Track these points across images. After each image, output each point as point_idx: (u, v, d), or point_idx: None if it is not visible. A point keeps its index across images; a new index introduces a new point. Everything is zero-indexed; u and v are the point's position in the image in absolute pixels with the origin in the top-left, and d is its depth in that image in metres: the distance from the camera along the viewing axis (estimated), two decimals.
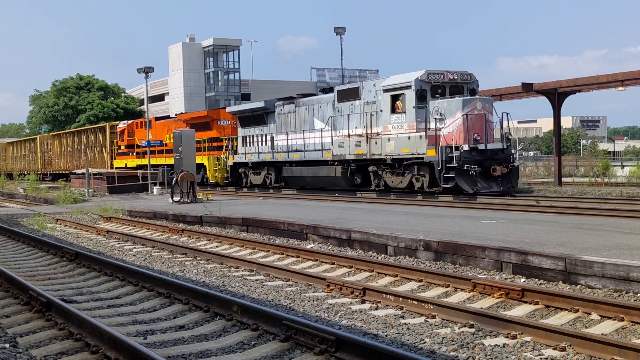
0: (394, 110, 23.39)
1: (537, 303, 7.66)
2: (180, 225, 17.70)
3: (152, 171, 34.85)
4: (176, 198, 23.21)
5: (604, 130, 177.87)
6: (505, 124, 22.80)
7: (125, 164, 40.89)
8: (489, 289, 8.23)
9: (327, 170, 26.48)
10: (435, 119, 21.94)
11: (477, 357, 5.95)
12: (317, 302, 8.29)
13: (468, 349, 6.17)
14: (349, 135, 25.22)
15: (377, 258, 11.32)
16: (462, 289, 8.55)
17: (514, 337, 6.42)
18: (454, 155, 21.14)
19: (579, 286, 8.49)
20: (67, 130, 58.11)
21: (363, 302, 8.28)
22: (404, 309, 7.77)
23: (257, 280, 10.01)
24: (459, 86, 23.13)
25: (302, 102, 28.27)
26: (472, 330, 6.81)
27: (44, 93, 78.21)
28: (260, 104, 30.57)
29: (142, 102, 78.35)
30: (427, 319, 7.32)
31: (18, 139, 75.54)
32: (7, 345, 6.36)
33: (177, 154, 24.97)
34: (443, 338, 6.54)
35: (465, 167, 21.04)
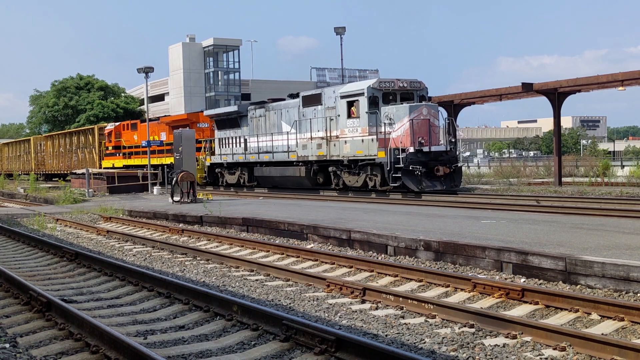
0: (349, 115, 25.31)
1: (537, 303, 7.66)
2: (181, 225, 17.70)
3: (153, 171, 34.92)
4: (176, 198, 23.21)
5: (604, 130, 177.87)
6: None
7: (113, 164, 42.51)
8: (489, 289, 8.23)
9: (293, 171, 28.32)
10: (385, 123, 23.90)
11: (477, 357, 5.95)
12: (317, 302, 8.29)
13: (468, 349, 6.17)
14: (311, 138, 27.16)
15: (377, 258, 11.32)
16: (462, 289, 8.55)
17: (514, 337, 6.42)
18: (400, 156, 23.10)
19: (579, 286, 8.49)
20: (59, 132, 59.52)
21: (363, 302, 8.28)
22: (404, 309, 7.77)
23: (257, 280, 10.01)
24: (409, 93, 25.16)
25: (272, 106, 30.08)
26: (472, 330, 6.81)
27: (44, 93, 78.20)
28: (234, 108, 32.70)
29: (142, 102, 78.37)
30: (427, 319, 7.32)
31: (13, 140, 75.91)
32: (7, 345, 6.36)
33: (177, 154, 24.98)
34: (443, 338, 6.54)
35: (410, 168, 23.01)
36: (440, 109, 25.94)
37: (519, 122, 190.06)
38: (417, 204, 20.28)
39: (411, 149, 23.20)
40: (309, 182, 27.88)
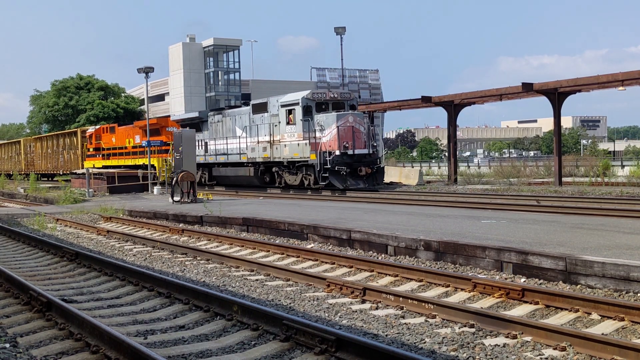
0: (288, 122, 28.64)
1: (537, 303, 7.65)
2: (181, 225, 17.70)
3: (152, 171, 34.98)
4: (176, 198, 23.21)
5: (604, 130, 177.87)
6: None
7: (93, 165, 44.81)
8: (489, 288, 8.23)
9: (244, 171, 31.65)
10: (315, 129, 27.22)
11: (477, 357, 5.95)
12: (318, 302, 8.29)
13: (468, 349, 6.17)
14: (258, 142, 30.41)
15: (378, 258, 11.32)
16: (462, 289, 8.55)
17: (514, 337, 6.42)
18: (328, 159, 26.39)
19: (579, 286, 8.49)
20: (47, 134, 61.76)
21: (363, 302, 8.28)
22: (404, 308, 7.77)
23: (257, 280, 10.01)
24: (341, 103, 28.62)
25: (228, 112, 33.57)
26: (473, 330, 6.81)
27: (44, 93, 78.16)
28: (196, 114, 36.40)
29: (142, 102, 78.38)
30: (428, 319, 7.32)
31: (4, 142, 76.61)
32: (7, 345, 6.36)
33: (177, 153, 24.96)
34: (443, 338, 6.53)
35: (336, 169, 26.29)
36: (366, 116, 28.78)
37: (519, 122, 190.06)
38: (417, 204, 20.28)
39: (337, 152, 26.47)
40: (257, 181, 31.13)
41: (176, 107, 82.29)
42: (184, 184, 23.21)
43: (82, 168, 44.73)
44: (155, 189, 32.02)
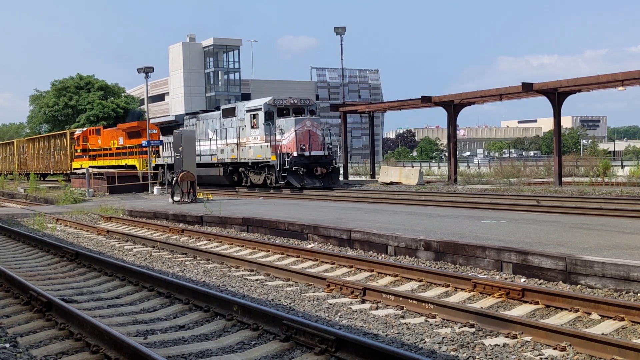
0: (252, 126, 31.16)
1: (537, 303, 7.65)
2: (181, 225, 17.69)
3: (154, 171, 35.06)
4: (176, 198, 23.20)
5: (604, 130, 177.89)
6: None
7: (81, 165, 47.13)
8: (489, 288, 8.23)
9: (215, 171, 33.89)
10: (276, 133, 29.75)
11: (477, 357, 5.95)
12: (318, 302, 8.29)
13: (468, 349, 6.17)
14: (227, 144, 32.90)
15: (378, 258, 11.32)
16: (462, 289, 8.55)
17: (514, 337, 6.42)
18: (287, 160, 28.74)
19: (579, 286, 8.49)
20: (39, 135, 63.74)
21: (363, 302, 8.28)
22: (404, 308, 7.77)
23: (257, 280, 10.01)
24: (301, 108, 31.17)
25: (202, 116, 36.21)
26: (473, 330, 6.81)
27: (44, 93, 78.10)
28: (172, 118, 39.68)
29: (142, 102, 78.33)
30: (428, 319, 7.32)
31: None
32: (7, 345, 6.36)
33: (177, 153, 24.96)
34: (443, 338, 6.53)
35: (294, 169, 28.61)
36: (323, 121, 31.67)
37: (519, 122, 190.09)
38: (417, 204, 20.29)
39: (295, 154, 28.85)
40: (226, 180, 33.45)
41: (176, 107, 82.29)
42: (184, 184, 23.21)
43: (71, 168, 48.59)
44: (155, 189, 32.02)
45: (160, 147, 38.61)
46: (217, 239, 14.50)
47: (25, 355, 6.10)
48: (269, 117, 30.38)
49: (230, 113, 33.18)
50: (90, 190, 31.29)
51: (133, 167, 40.49)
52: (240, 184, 32.91)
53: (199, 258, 12.25)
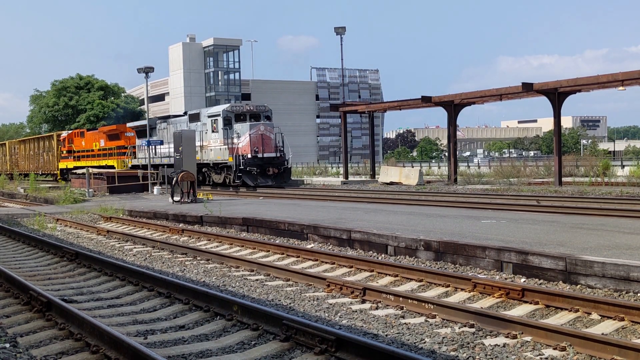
0: (213, 130, 34.34)
1: (537, 303, 7.65)
2: (181, 225, 17.69)
3: (152, 171, 35.12)
4: (176, 198, 23.20)
5: (604, 130, 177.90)
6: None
7: (66, 166, 50.37)
8: (489, 288, 8.23)
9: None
10: (233, 137, 32.69)
11: (477, 357, 5.95)
12: (318, 302, 8.29)
13: (468, 349, 6.17)
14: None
15: (378, 258, 11.32)
16: (462, 289, 8.55)
17: (514, 337, 6.42)
18: (242, 161, 31.84)
19: (579, 286, 8.49)
20: (29, 137, 66.25)
21: (363, 302, 8.28)
22: (404, 308, 7.77)
23: (257, 280, 10.01)
24: (257, 114, 34.51)
25: (171, 121, 39.24)
26: (473, 330, 6.81)
27: (44, 93, 78.10)
28: (146, 122, 41.34)
29: (142, 102, 78.36)
30: (428, 319, 7.32)
31: None
32: (7, 345, 6.36)
33: (177, 153, 24.95)
34: (443, 338, 6.53)
35: (248, 169, 31.81)
36: (277, 126, 34.03)
37: (519, 122, 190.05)
38: (417, 204, 20.29)
39: (249, 156, 32.01)
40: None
41: (176, 107, 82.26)
42: (184, 184, 23.21)
43: (58, 168, 52.13)
44: (155, 189, 32.02)
45: (137, 148, 42.08)
46: (217, 239, 14.50)
47: (25, 355, 6.10)
48: (227, 122, 33.55)
49: (195, 118, 36.30)
50: (90, 190, 31.28)
51: (112, 167, 43.43)
52: (204, 183, 35.54)
53: (199, 258, 12.25)
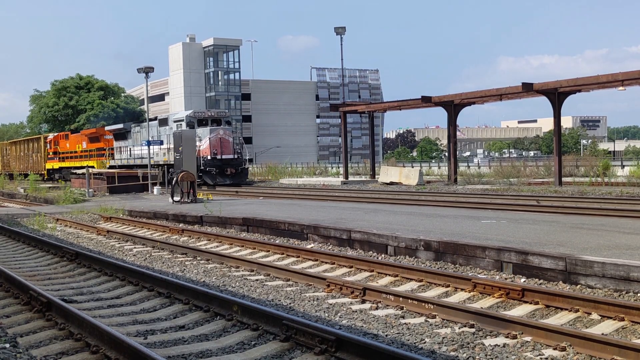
0: None
1: (537, 303, 7.65)
2: (181, 225, 17.69)
3: (153, 172, 35.17)
4: (176, 198, 23.19)
5: (604, 130, 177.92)
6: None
7: (52, 166, 53.99)
8: (489, 288, 8.23)
9: (153, 171, 37.72)
10: (196, 140, 33.21)
11: (477, 357, 5.95)
12: (317, 302, 8.29)
13: (468, 349, 6.17)
14: (160, 149, 38.50)
15: (378, 258, 11.32)
16: (462, 289, 8.55)
17: (514, 337, 6.42)
18: (202, 162, 34.06)
19: (579, 286, 8.49)
20: (20, 139, 70.35)
21: (363, 302, 8.28)
22: (404, 308, 7.77)
23: (257, 280, 10.01)
24: (218, 119, 37.57)
25: (144, 125, 41.13)
26: (473, 330, 6.81)
27: (44, 93, 78.07)
28: (122, 125, 45.79)
29: (142, 102, 78.31)
30: (428, 319, 7.32)
31: None
32: (7, 345, 6.36)
33: (177, 153, 24.96)
34: (443, 338, 6.53)
35: (207, 169, 34.67)
36: (235, 131, 37.13)
37: (519, 122, 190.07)
38: (417, 204, 20.29)
39: (209, 157, 34.83)
40: (162, 179, 37.22)
41: (176, 107, 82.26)
42: (184, 184, 23.21)
43: (45, 169, 55.74)
44: (155, 189, 32.04)
45: (115, 150, 45.60)
46: (217, 239, 14.50)
47: (25, 355, 6.10)
48: (191, 127, 36.10)
49: (164, 122, 39.43)
50: (90, 190, 31.29)
51: (92, 167, 45.31)
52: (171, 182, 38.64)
53: (199, 258, 12.25)
